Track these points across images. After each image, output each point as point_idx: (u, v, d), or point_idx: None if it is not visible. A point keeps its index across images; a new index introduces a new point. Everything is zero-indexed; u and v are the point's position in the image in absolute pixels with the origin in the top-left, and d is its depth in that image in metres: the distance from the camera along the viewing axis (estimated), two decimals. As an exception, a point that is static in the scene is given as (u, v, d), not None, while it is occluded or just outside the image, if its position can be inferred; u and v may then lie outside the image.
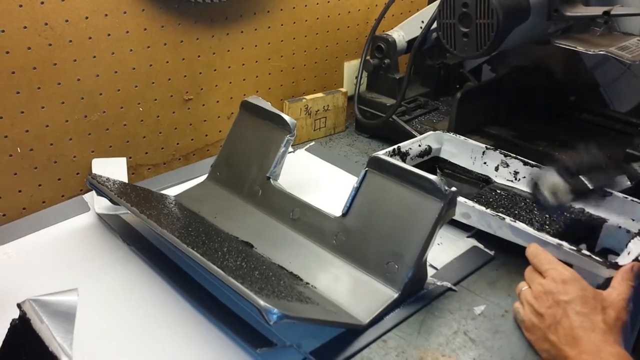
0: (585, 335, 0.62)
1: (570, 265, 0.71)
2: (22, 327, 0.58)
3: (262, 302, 0.59)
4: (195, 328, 0.72)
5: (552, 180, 0.80)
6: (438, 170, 1.05)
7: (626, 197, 0.84)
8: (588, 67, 1.18)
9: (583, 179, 0.78)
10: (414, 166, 0.79)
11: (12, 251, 0.85)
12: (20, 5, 0.86)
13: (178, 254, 0.82)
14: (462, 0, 0.92)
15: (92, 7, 0.92)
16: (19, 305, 0.58)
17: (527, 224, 0.79)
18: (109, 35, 0.96)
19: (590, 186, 0.78)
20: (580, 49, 0.96)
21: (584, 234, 0.86)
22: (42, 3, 0.88)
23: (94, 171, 0.98)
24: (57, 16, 0.89)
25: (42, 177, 0.97)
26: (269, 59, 1.19)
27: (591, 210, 0.88)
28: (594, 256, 0.73)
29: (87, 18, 0.92)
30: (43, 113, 0.93)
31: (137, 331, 0.72)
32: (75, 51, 0.93)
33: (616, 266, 0.70)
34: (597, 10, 0.97)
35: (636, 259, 0.72)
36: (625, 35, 1.03)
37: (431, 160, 1.04)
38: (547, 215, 0.89)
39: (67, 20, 0.91)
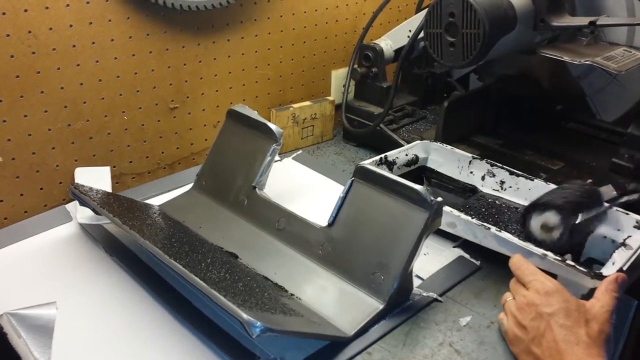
0: (569, 349, 0.61)
1: (554, 276, 0.71)
2: (-2, 341, 0.57)
3: (244, 315, 0.59)
4: (178, 340, 0.71)
5: (544, 218, 0.81)
6: (425, 180, 1.05)
7: (611, 207, 0.84)
8: (574, 77, 1.18)
9: (576, 217, 0.79)
10: (400, 175, 0.79)
11: (-7, 262, 0.84)
12: (4, 13, 0.85)
13: (161, 265, 0.81)
14: (449, 10, 0.92)
15: (77, 15, 0.92)
16: (-5, 319, 0.57)
17: (512, 234, 0.79)
18: (93, 43, 0.95)
19: (579, 219, 0.79)
20: (566, 59, 0.96)
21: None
22: (26, 11, 0.87)
23: (77, 180, 0.97)
24: (40, 24, 0.88)
25: (24, 186, 0.95)
26: (256, 67, 1.19)
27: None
28: (578, 266, 0.72)
29: (71, 26, 0.92)
30: (25, 122, 0.92)
31: (119, 343, 0.71)
32: (59, 59, 0.92)
33: (600, 277, 0.70)
34: (583, 21, 0.97)
35: (621, 270, 0.72)
36: (611, 45, 1.04)
37: (418, 170, 1.04)
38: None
39: (50, 28, 0.90)
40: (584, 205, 0.80)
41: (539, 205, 0.82)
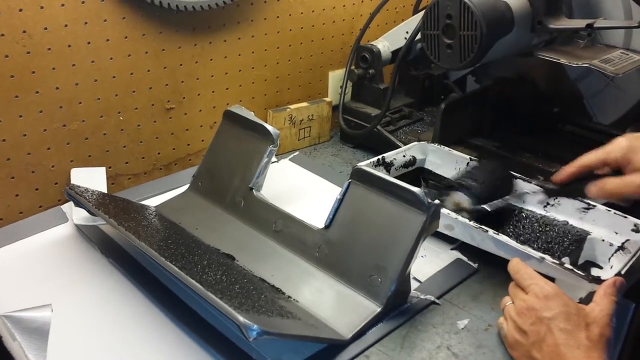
0: (570, 353, 0.61)
1: (552, 279, 0.71)
2: (-8, 344, 0.57)
3: (241, 318, 0.58)
4: (174, 343, 0.71)
5: (458, 199, 0.89)
6: (422, 182, 1.05)
7: (609, 210, 0.84)
8: (571, 79, 1.18)
9: (485, 206, 0.88)
10: (398, 177, 0.78)
11: (-12, 263, 0.83)
12: (-2, 13, 0.84)
13: (157, 266, 0.81)
14: (446, 11, 0.92)
15: (72, 14, 0.91)
16: (-11, 322, 0.56)
17: (510, 237, 0.79)
18: (88, 43, 0.94)
19: (488, 209, 0.88)
20: (563, 61, 0.96)
21: (567, 246, 0.85)
22: (21, 10, 0.86)
23: (72, 181, 0.96)
24: (35, 24, 0.88)
25: (20, 187, 0.95)
26: (253, 68, 1.18)
27: (575, 223, 0.88)
28: (576, 270, 0.72)
29: (66, 26, 0.91)
30: (21, 122, 0.91)
31: (115, 345, 0.70)
32: (54, 59, 0.91)
33: (599, 280, 0.70)
34: (580, 23, 0.97)
35: (619, 273, 0.72)
36: (608, 47, 1.04)
37: (415, 171, 1.03)
38: (530, 228, 0.89)
39: (46, 28, 0.89)
40: (497, 195, 0.89)
41: (459, 185, 0.90)
